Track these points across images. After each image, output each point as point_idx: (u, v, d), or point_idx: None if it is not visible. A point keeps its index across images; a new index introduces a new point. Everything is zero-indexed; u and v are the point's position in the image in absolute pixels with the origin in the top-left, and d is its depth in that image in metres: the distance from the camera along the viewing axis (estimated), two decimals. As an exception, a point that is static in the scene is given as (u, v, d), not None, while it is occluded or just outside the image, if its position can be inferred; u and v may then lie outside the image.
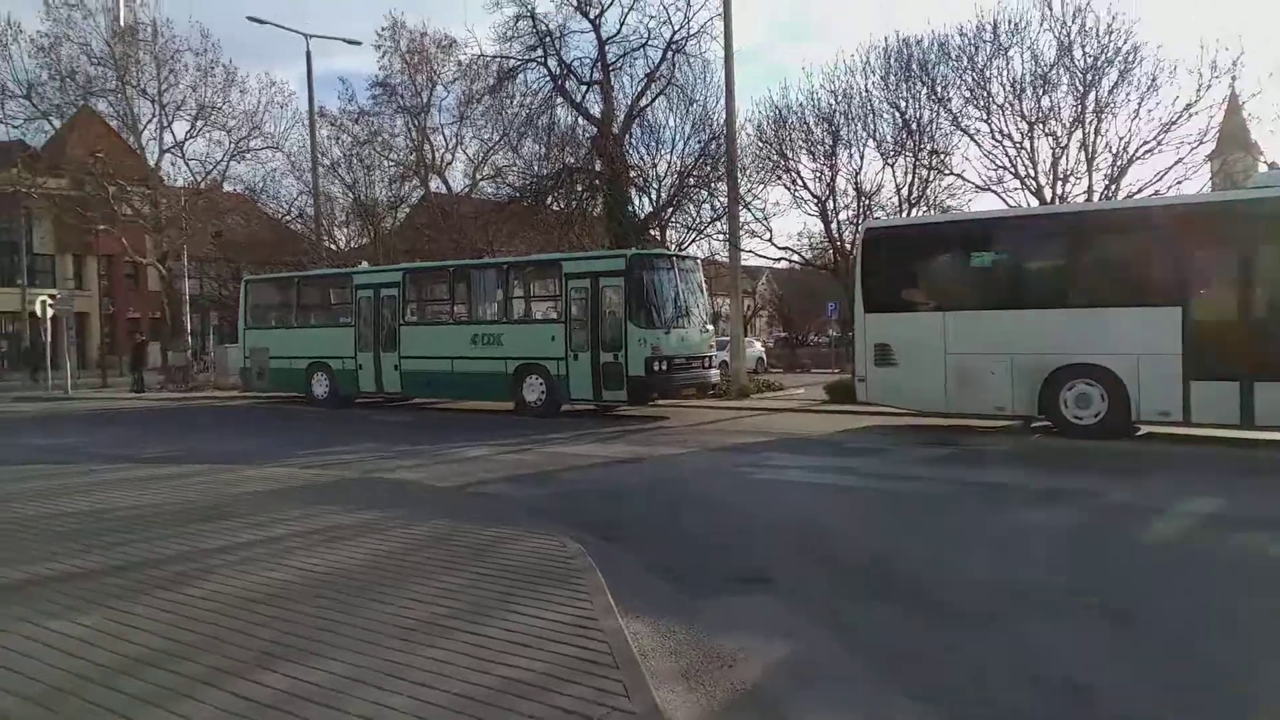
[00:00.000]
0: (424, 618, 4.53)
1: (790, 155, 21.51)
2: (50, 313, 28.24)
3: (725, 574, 6.02)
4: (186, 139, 35.19)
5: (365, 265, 24.75)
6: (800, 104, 21.94)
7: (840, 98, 21.08)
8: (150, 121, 34.67)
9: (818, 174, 21.16)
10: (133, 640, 4.19)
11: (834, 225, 21.03)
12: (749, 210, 22.14)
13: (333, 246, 35.86)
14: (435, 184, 36.58)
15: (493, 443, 13.61)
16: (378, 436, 15.23)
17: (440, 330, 19.74)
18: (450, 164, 36.81)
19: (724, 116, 22.83)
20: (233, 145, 35.50)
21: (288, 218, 38.46)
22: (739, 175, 22.21)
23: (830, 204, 20.96)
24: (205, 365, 34.45)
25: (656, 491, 9.44)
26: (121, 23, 33.13)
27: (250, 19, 30.23)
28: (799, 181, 21.28)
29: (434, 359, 19.38)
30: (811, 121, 21.28)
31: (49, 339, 28.47)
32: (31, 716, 3.27)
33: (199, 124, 34.72)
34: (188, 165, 35.82)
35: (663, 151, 25.92)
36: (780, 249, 22.81)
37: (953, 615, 5.07)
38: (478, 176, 35.47)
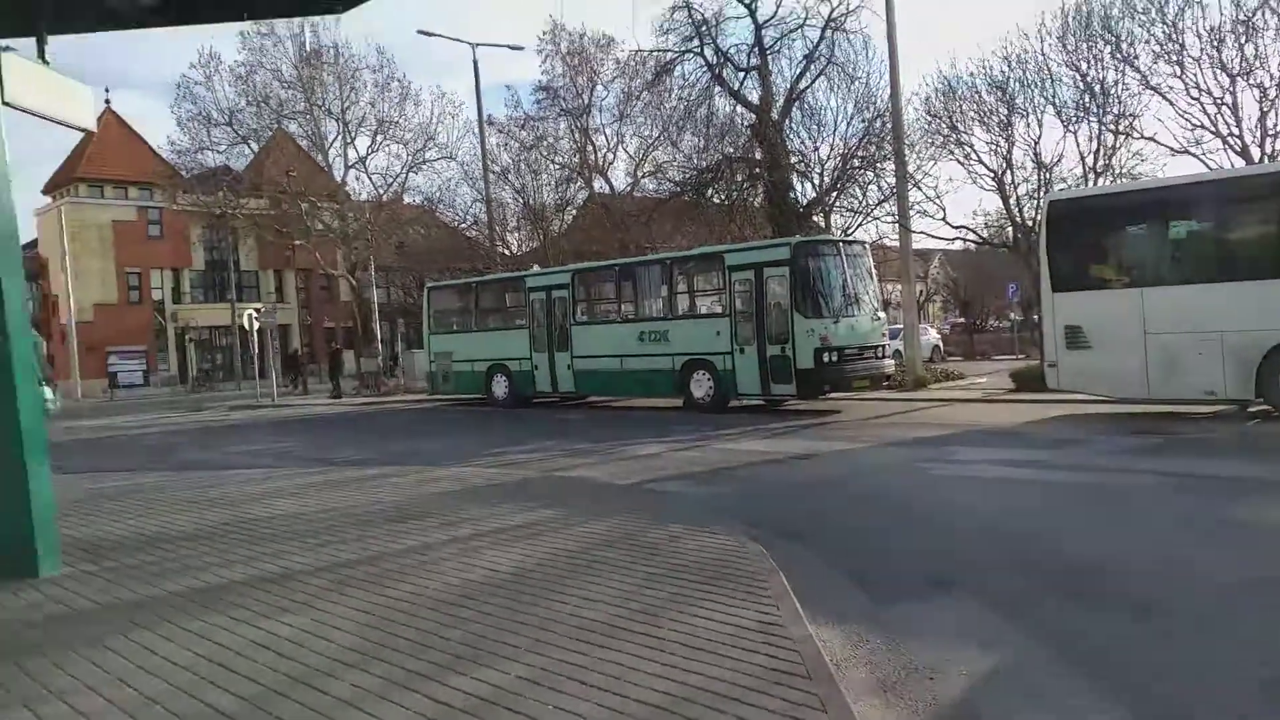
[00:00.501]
0: (602, 619, 4.53)
1: (962, 127, 20.45)
2: (256, 325, 30.73)
3: (915, 576, 5.74)
4: (368, 154, 37.56)
5: (536, 268, 25.45)
6: (970, 73, 20.77)
7: (1014, 64, 19.88)
8: (335, 139, 37.25)
9: (992, 146, 20.01)
10: (334, 640, 4.39)
11: (1012, 200, 19.85)
12: (919, 189, 21.20)
13: (506, 251, 37.14)
14: (598, 184, 37.24)
15: (665, 439, 13.66)
16: (555, 435, 15.60)
17: (609, 329, 20.00)
18: (612, 163, 37.39)
19: (888, 92, 22.07)
20: (410, 157, 37.63)
21: (463, 225, 40.16)
22: (906, 152, 21.36)
23: (1008, 177, 19.78)
24: (395, 370, 36.47)
25: (834, 488, 9.17)
26: (307, 47, 35.69)
27: (420, 33, 31.65)
28: (972, 155, 20.20)
29: (604, 357, 19.65)
30: (984, 90, 20.15)
31: (256, 350, 30.91)
32: (250, 718, 3.47)
33: (379, 138, 37.01)
34: (370, 179, 38.18)
35: (824, 134, 25.27)
36: (954, 228, 21.60)
37: (1167, 617, 4.62)
38: (639, 174, 35.88)
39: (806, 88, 25.40)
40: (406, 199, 39.91)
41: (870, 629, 4.69)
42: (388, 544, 6.63)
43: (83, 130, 8.71)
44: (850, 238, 20.71)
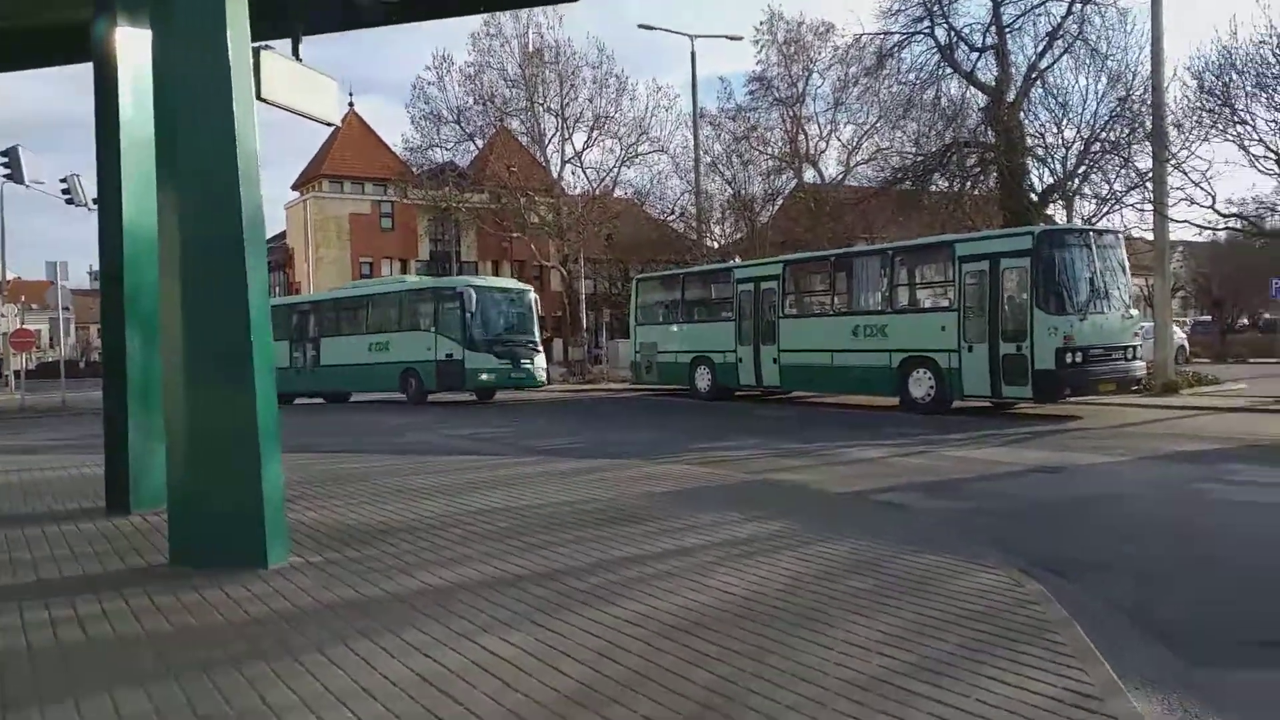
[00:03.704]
0: (873, 672, 3.81)
1: (1240, 104, 17.94)
2: (473, 313, 31.80)
3: (1234, 633, 4.75)
4: (584, 149, 38.29)
5: (737, 259, 24.87)
6: (1257, 41, 17.92)
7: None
8: (554, 135, 38.18)
9: (1276, 124, 17.43)
10: (562, 670, 3.91)
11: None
12: (1182, 173, 18.86)
13: (712, 244, 36.91)
14: (809, 174, 36.26)
15: (883, 443, 12.70)
16: (762, 432, 14.97)
17: (820, 322, 19.21)
18: (824, 152, 36.34)
19: (1147, 68, 19.95)
20: (623, 151, 38.08)
21: (670, 217, 40.26)
22: (1169, 133, 19.10)
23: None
24: (599, 359, 37.07)
25: (1097, 511, 7.98)
26: (531, 46, 36.80)
27: (641, 26, 31.95)
28: (1253, 135, 17.64)
29: (813, 352, 18.90)
30: (1273, 57, 17.51)
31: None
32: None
33: (595, 134, 37.66)
34: (585, 174, 38.94)
35: (1069, 116, 23.07)
36: (1225, 216, 19.10)
37: None
38: (852, 162, 34.63)
39: (1049, 66, 23.39)
40: (618, 192, 40.43)
41: (1197, 702, 3.76)
42: (608, 549, 6.19)
43: (329, 124, 8.90)
44: (1102, 227, 18.76)
